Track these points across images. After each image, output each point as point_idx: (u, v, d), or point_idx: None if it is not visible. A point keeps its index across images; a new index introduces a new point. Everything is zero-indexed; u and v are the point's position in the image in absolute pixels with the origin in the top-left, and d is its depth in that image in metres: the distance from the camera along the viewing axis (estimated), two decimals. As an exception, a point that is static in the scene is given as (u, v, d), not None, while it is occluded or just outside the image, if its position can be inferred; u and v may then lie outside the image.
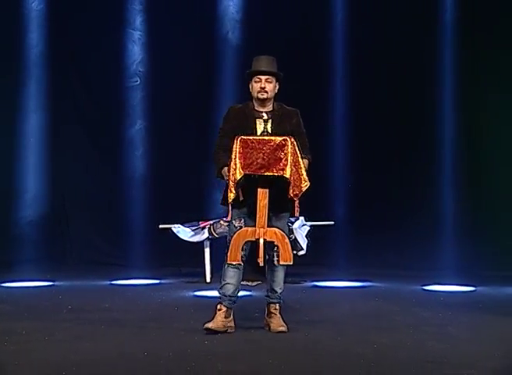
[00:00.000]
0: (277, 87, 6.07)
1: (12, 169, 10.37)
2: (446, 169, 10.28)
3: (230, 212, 5.89)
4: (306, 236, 8.56)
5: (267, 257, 6.03)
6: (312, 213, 8.59)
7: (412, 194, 10.12)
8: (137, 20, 10.51)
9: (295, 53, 10.15)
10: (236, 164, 5.73)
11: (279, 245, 5.88)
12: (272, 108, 6.04)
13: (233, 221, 5.96)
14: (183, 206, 9.91)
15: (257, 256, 5.83)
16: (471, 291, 8.35)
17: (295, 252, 8.17)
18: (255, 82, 6.02)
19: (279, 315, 6.07)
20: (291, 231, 8.32)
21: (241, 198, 5.80)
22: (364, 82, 10.25)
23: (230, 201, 5.79)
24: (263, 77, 6.00)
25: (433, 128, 10.33)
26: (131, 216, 10.50)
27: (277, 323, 6.00)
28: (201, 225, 8.81)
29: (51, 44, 10.47)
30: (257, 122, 6.00)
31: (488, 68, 10.05)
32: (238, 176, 5.73)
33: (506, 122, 9.97)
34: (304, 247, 8.45)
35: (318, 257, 9.45)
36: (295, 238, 8.39)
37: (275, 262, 5.98)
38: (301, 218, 8.53)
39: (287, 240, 5.91)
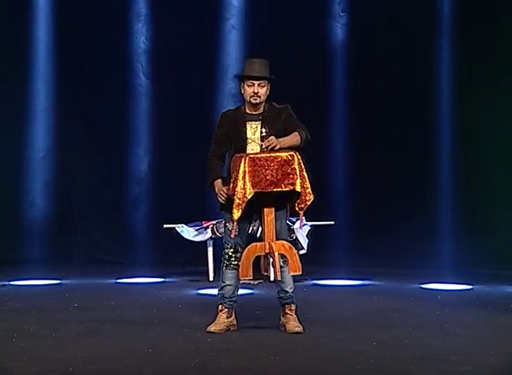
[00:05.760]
0: (269, 89, 6.05)
1: (18, 168, 10.43)
2: (443, 168, 10.31)
3: (235, 228, 5.90)
4: (307, 235, 8.62)
5: (271, 260, 6.11)
6: (313, 213, 8.64)
7: (411, 194, 10.13)
8: (142, 22, 10.57)
9: (293, 50, 10.23)
10: (245, 183, 5.74)
11: (288, 257, 5.92)
12: (262, 110, 6.04)
13: (227, 224, 6.02)
14: (186, 206, 10.00)
15: (264, 270, 5.96)
16: (467, 290, 8.40)
17: (296, 251, 8.29)
18: (248, 86, 5.99)
19: (294, 315, 6.03)
20: (292, 231, 8.41)
21: (237, 232, 5.92)
22: (364, 83, 10.29)
23: (236, 218, 5.81)
24: (256, 82, 5.96)
25: (431, 128, 10.36)
26: (136, 215, 10.56)
27: (293, 324, 5.97)
28: (204, 225, 8.84)
29: (56, 45, 10.51)
30: (248, 125, 6.01)
31: (488, 68, 10.10)
32: (248, 196, 5.75)
33: (505, 121, 9.99)
34: (305, 246, 8.53)
35: (319, 256, 9.45)
36: (296, 238, 8.47)
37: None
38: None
39: (295, 251, 5.97)
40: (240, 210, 5.78)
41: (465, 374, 4.82)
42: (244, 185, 5.77)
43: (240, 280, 6.08)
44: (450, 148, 10.32)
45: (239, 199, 5.77)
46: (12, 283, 8.68)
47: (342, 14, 10.46)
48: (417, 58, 10.34)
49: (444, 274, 9.31)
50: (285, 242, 5.96)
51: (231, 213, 5.83)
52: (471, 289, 8.43)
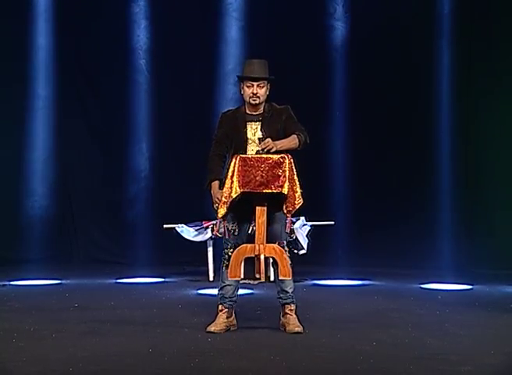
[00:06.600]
0: (269, 89, 6.05)
1: (19, 169, 10.45)
2: (443, 168, 10.34)
3: (224, 227, 6.01)
4: (306, 235, 8.63)
5: (271, 259, 6.12)
6: (313, 213, 8.66)
7: (410, 194, 10.14)
8: (143, 21, 10.59)
9: (293, 50, 10.27)
10: (232, 182, 5.79)
11: (278, 261, 5.92)
12: (262, 111, 6.05)
13: (227, 224, 6.04)
14: (186, 206, 10.01)
15: (257, 271, 5.90)
16: (467, 290, 8.42)
17: (296, 251, 8.32)
18: (247, 87, 6.00)
19: (294, 315, 6.03)
20: (292, 231, 8.42)
21: (236, 233, 5.97)
22: (364, 83, 10.31)
23: (220, 216, 5.90)
24: (255, 83, 5.97)
25: (431, 128, 10.37)
26: (136, 215, 10.59)
27: (293, 324, 5.98)
28: (204, 225, 8.83)
29: (56, 45, 10.53)
30: (248, 125, 6.02)
31: (487, 68, 10.10)
32: (234, 195, 5.80)
33: (505, 121, 10.00)
34: (305, 246, 8.55)
35: (319, 256, 9.48)
36: (296, 238, 8.47)
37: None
38: (302, 218, 8.61)
39: (285, 255, 5.94)
40: (226, 208, 5.83)
41: (465, 374, 4.83)
42: (232, 184, 5.81)
43: (239, 280, 6.07)
44: (450, 148, 10.34)
45: (225, 198, 5.82)
46: (12, 283, 8.69)
47: (346, 15, 10.47)
48: (418, 59, 10.35)
49: (444, 274, 9.32)
50: (275, 246, 5.95)
51: (220, 218, 5.92)
52: (471, 289, 8.45)
